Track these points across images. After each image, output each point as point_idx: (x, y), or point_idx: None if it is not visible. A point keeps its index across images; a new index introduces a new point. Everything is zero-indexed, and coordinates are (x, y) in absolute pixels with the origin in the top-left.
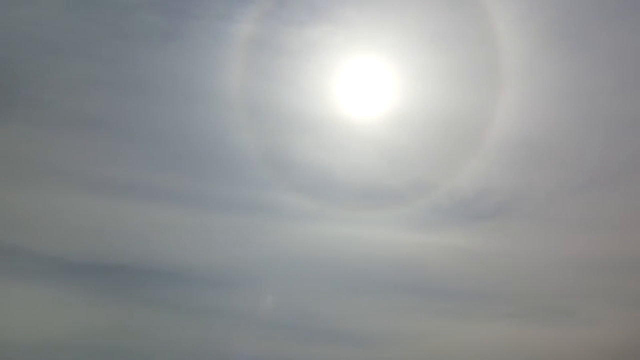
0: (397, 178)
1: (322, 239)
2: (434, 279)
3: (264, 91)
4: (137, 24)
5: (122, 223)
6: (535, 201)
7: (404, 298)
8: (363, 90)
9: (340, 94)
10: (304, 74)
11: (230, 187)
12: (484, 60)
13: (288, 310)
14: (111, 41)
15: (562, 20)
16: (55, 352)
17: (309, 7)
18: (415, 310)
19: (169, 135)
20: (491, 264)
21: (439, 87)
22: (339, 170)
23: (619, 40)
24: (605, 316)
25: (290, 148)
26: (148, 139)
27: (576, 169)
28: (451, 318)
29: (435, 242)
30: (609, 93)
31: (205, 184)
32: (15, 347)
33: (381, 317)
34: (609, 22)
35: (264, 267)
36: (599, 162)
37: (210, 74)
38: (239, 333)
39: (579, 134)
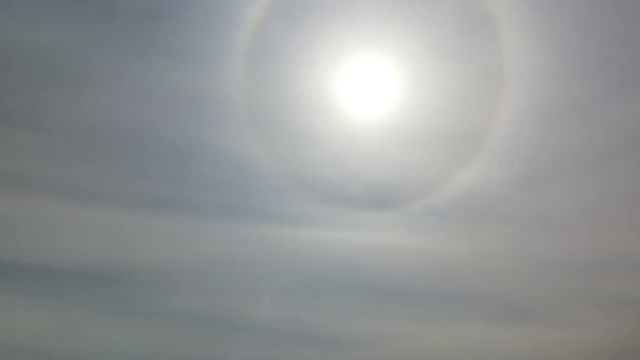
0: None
1: (310, 242)
2: (405, 281)
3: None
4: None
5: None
6: (501, 199)
7: (378, 301)
8: (353, 93)
9: (330, 94)
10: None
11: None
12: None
13: (267, 314)
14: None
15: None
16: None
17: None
18: (389, 313)
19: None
20: (461, 266)
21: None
22: (322, 170)
23: (568, 25)
24: (578, 317)
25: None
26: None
27: (532, 163)
28: (423, 321)
29: (406, 244)
30: (560, 81)
31: (171, 186)
32: None
33: (353, 320)
34: (554, 7)
35: (230, 270)
36: (555, 156)
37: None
38: (220, 338)
39: (531, 125)
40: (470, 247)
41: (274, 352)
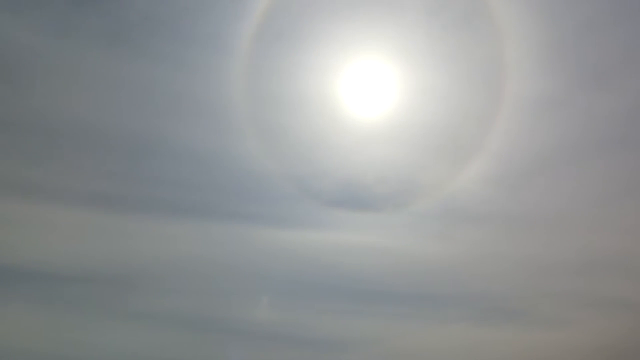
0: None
1: (296, 243)
2: (392, 282)
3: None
4: None
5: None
6: (478, 199)
7: (365, 302)
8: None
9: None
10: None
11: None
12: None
13: (253, 315)
14: None
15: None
16: None
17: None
18: (377, 315)
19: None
20: (444, 267)
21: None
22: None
23: (543, 20)
24: (566, 317)
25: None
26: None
27: (506, 159)
28: (412, 321)
29: (392, 245)
30: (535, 75)
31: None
32: None
33: (340, 322)
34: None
35: (217, 271)
36: (530, 151)
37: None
38: (207, 339)
39: (502, 120)
40: (456, 247)
41: (261, 354)
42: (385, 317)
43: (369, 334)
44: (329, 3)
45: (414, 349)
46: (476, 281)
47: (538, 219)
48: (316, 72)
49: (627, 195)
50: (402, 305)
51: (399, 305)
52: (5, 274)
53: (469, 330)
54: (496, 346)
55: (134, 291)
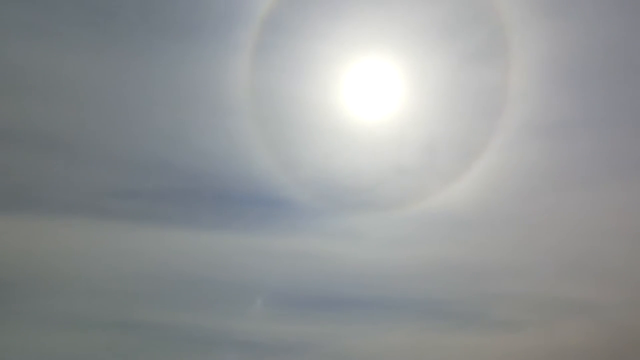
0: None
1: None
2: (344, 286)
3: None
4: None
5: None
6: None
7: (313, 307)
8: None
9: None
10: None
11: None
12: None
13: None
14: None
15: None
16: None
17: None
18: (325, 319)
19: None
20: (398, 270)
21: None
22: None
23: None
24: (514, 320)
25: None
26: None
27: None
28: (359, 324)
29: (343, 251)
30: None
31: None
32: None
33: (282, 325)
34: None
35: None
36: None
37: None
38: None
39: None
40: (408, 252)
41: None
42: (334, 321)
43: (316, 338)
44: (331, 5)
45: (363, 353)
46: (426, 285)
47: (484, 217)
48: (316, 75)
49: (575, 188)
50: (351, 309)
51: (348, 310)
52: None
53: (421, 334)
54: (450, 350)
55: (135, 302)
